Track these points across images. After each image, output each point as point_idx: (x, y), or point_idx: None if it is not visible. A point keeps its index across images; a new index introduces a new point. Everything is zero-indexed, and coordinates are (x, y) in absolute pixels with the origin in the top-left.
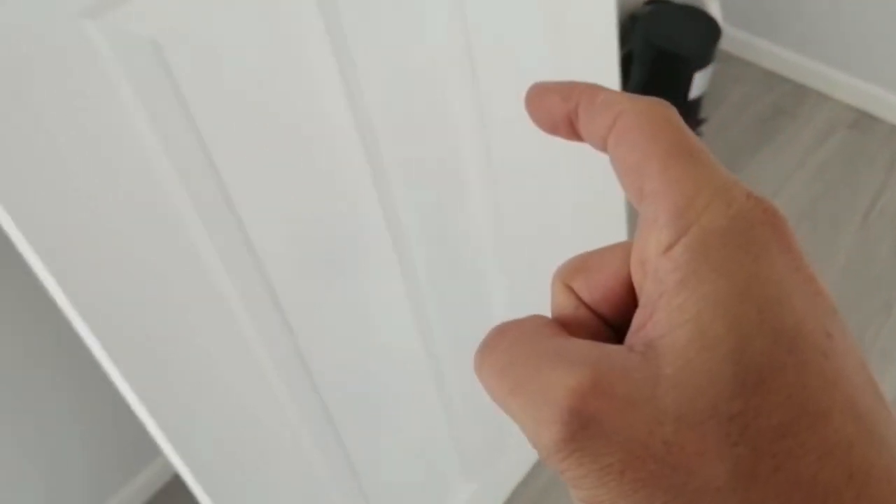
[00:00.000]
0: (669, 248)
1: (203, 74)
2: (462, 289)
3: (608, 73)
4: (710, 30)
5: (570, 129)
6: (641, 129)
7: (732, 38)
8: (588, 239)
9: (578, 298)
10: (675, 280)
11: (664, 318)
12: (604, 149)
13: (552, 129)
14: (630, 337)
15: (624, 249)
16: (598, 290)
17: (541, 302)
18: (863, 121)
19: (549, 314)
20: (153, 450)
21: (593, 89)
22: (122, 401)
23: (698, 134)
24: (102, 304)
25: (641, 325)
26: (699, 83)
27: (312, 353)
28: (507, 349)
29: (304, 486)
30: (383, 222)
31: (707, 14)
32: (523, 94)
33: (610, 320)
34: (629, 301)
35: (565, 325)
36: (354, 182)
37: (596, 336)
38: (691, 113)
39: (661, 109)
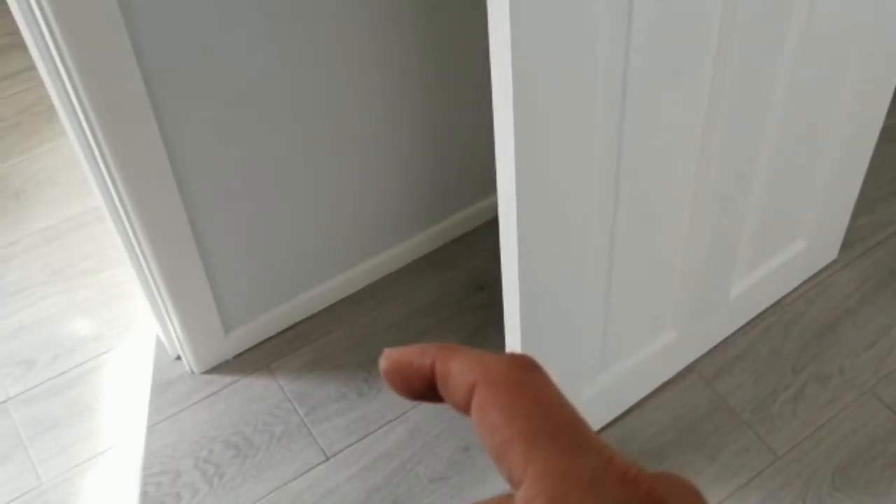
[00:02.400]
0: None
1: None
2: (746, 126)
3: None
4: None
5: (434, 394)
6: (498, 406)
7: None
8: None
9: None
10: None
11: None
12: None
13: (416, 397)
14: None
15: None
16: None
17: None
18: None
19: None
20: (481, 193)
21: (446, 354)
22: (469, 141)
23: None
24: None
25: None
26: None
27: (629, 141)
28: None
29: (574, 252)
30: (715, 46)
31: None
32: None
33: None
34: None
35: None
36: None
37: None
38: None
39: (515, 376)
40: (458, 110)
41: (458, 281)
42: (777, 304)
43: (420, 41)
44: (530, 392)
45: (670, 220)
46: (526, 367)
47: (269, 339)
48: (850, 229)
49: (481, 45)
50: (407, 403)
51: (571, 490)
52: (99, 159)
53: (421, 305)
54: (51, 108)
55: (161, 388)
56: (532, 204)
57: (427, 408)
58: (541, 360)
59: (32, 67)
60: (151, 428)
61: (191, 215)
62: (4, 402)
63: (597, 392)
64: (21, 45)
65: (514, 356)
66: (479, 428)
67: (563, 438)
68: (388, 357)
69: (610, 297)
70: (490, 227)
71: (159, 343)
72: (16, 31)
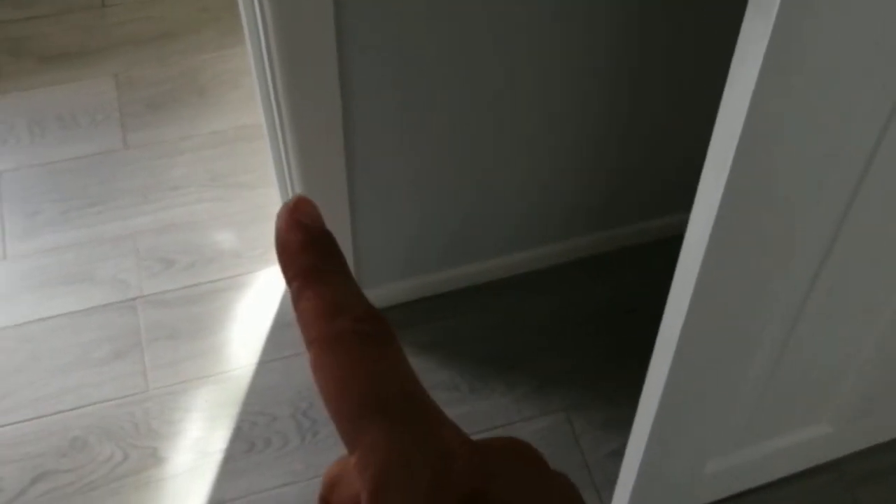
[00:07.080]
0: None
1: None
2: None
3: None
4: None
5: None
6: (331, 372)
7: None
8: None
9: None
10: None
11: None
12: None
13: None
14: None
15: None
16: None
17: None
18: None
19: None
20: (654, 211)
21: (307, 278)
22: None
23: None
24: None
25: None
26: None
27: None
28: None
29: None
30: None
31: None
32: None
33: None
34: None
35: None
36: None
37: None
38: None
39: (357, 337)
40: (650, 126)
41: (608, 296)
42: None
43: (637, 48)
44: (368, 359)
45: (868, 312)
46: (372, 325)
47: (400, 305)
48: None
49: (698, 79)
50: (517, 415)
51: (395, 464)
52: (268, 72)
53: (564, 312)
54: None
55: (282, 326)
56: (725, 249)
57: (535, 424)
58: (677, 421)
59: None
60: (262, 365)
61: (349, 161)
62: (135, 298)
63: (726, 467)
64: None
65: (364, 312)
66: (315, 384)
67: (392, 412)
68: (282, 222)
69: (776, 374)
70: (656, 248)
71: None
72: None
